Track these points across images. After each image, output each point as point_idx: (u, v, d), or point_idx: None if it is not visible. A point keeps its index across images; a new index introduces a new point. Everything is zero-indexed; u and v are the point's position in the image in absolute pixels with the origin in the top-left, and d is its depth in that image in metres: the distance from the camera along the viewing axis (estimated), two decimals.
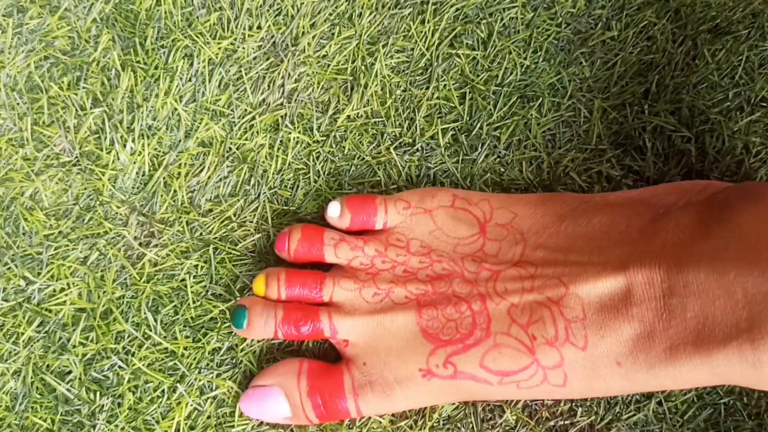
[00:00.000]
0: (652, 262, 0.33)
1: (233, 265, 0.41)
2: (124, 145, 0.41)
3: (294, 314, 0.38)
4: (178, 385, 0.39)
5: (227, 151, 0.42)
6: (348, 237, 0.39)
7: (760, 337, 0.30)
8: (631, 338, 0.33)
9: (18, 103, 0.41)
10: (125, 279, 0.40)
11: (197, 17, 0.43)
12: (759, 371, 0.30)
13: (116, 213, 0.41)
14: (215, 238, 0.41)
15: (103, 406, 0.38)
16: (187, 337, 0.39)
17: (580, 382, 0.34)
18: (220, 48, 0.43)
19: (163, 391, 0.39)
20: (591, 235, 0.36)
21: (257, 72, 0.43)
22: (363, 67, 0.43)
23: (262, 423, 0.38)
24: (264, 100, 0.43)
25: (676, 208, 0.36)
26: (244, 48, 0.43)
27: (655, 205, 0.37)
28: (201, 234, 0.41)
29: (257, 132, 0.42)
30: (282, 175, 0.42)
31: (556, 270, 0.36)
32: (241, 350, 0.39)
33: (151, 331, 0.39)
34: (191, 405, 0.39)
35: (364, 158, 0.42)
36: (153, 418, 0.38)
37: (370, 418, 0.38)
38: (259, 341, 0.39)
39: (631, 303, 0.33)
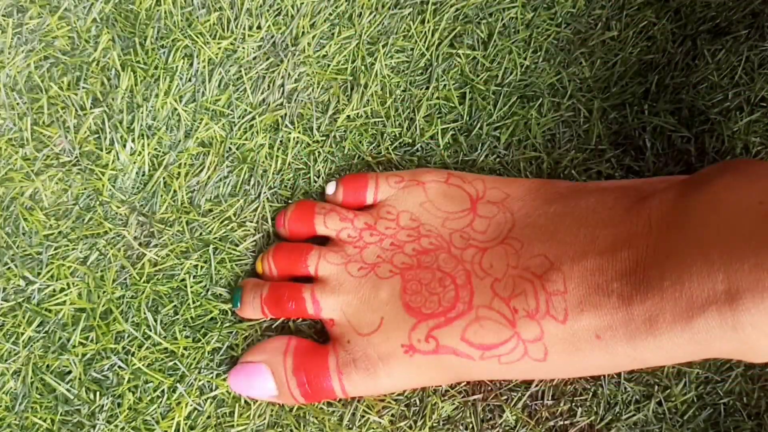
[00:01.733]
0: (639, 243, 0.33)
1: (233, 265, 0.41)
2: (124, 145, 0.41)
3: (277, 291, 0.38)
4: (178, 385, 0.39)
5: (227, 151, 0.42)
6: (339, 208, 0.40)
7: (739, 298, 0.30)
8: (610, 312, 0.33)
9: (18, 103, 0.41)
10: (125, 279, 0.40)
11: (197, 17, 0.43)
12: (740, 333, 0.30)
13: (116, 213, 0.41)
14: (215, 238, 0.41)
15: (102, 406, 0.38)
16: (187, 337, 0.39)
17: (560, 356, 0.34)
18: (220, 48, 0.43)
19: (163, 391, 0.39)
20: (579, 214, 0.36)
21: (257, 72, 0.43)
22: (363, 67, 0.43)
23: (262, 423, 0.38)
24: (264, 100, 0.43)
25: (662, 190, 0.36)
26: (244, 48, 0.43)
27: (645, 190, 0.37)
28: (201, 234, 0.41)
29: (257, 132, 0.42)
30: (282, 175, 0.42)
31: (542, 247, 0.36)
32: (242, 350, 0.39)
33: (151, 331, 0.39)
34: (191, 405, 0.39)
35: (364, 158, 0.42)
36: (153, 418, 0.38)
37: (369, 418, 0.38)
38: (259, 338, 0.39)
39: (612, 278, 0.33)
